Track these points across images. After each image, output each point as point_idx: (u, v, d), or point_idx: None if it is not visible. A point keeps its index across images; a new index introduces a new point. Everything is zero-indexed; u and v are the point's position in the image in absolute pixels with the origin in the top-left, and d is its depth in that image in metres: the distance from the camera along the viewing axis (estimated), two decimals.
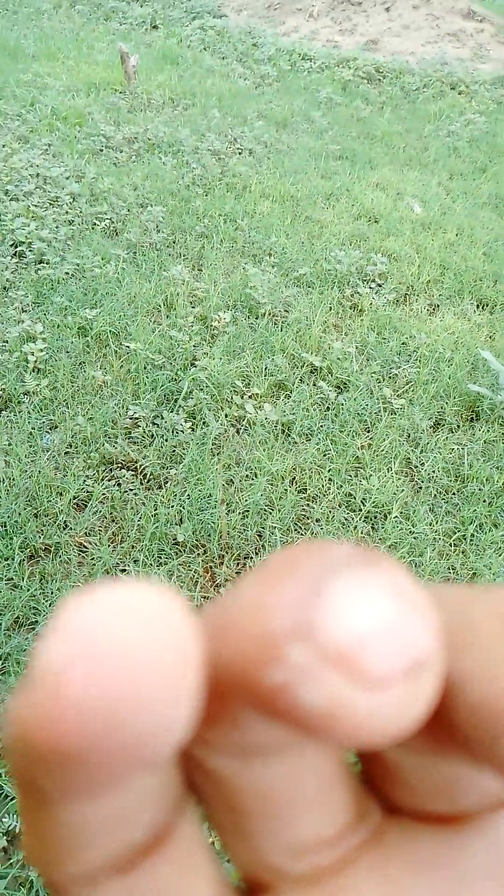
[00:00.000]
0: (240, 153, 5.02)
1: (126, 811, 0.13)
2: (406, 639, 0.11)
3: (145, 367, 2.80)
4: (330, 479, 2.49)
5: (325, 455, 2.57)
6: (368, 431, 2.73)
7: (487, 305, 3.69)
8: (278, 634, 0.11)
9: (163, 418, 2.57)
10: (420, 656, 0.11)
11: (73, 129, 4.87)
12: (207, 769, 0.14)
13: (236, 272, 3.52)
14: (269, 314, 3.21)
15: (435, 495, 2.54)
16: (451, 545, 2.38)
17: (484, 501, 2.53)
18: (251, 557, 2.21)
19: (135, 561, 2.13)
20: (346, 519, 2.38)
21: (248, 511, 2.31)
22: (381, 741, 0.11)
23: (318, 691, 0.10)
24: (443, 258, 3.97)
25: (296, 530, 2.33)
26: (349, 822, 0.14)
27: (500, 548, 2.38)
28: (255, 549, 2.24)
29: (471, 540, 2.39)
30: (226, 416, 2.64)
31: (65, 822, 0.12)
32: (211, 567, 2.19)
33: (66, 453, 2.44)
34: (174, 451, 2.47)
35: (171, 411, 2.61)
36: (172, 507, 2.27)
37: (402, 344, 3.20)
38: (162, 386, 2.71)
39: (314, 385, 2.85)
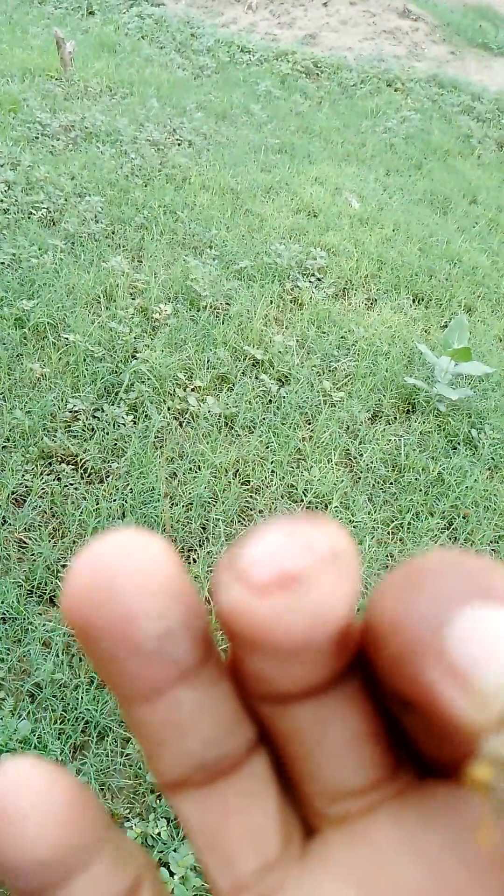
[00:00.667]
0: (179, 144, 4.99)
1: (184, 725, 0.16)
2: None
3: (85, 360, 2.77)
4: (272, 471, 2.52)
5: (267, 447, 2.59)
6: (309, 423, 2.77)
7: (423, 300, 3.78)
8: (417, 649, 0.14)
9: (103, 411, 2.54)
10: None
11: (6, 115, 4.74)
12: (264, 718, 0.17)
13: (177, 264, 3.50)
14: (211, 307, 3.21)
15: (373, 485, 2.60)
16: (389, 533, 2.44)
17: (420, 490, 2.60)
18: (195, 550, 2.22)
19: (76, 556, 2.11)
20: (288, 510, 2.41)
21: (191, 504, 2.31)
22: None
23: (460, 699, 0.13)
24: (380, 253, 4.04)
25: (239, 522, 2.35)
26: (378, 776, 0.17)
27: (435, 535, 2.45)
28: (200, 541, 2.25)
29: (408, 528, 2.46)
30: (168, 408, 2.63)
31: (139, 722, 0.16)
32: None
33: (3, 448, 2.39)
34: (116, 444, 2.45)
35: (112, 404, 2.59)
36: (115, 501, 2.26)
37: (342, 337, 3.25)
38: (102, 378, 2.69)
39: (256, 378, 2.87)
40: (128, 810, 1.67)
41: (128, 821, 1.63)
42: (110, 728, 1.79)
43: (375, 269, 3.89)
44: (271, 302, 3.37)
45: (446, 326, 3.53)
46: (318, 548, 0.14)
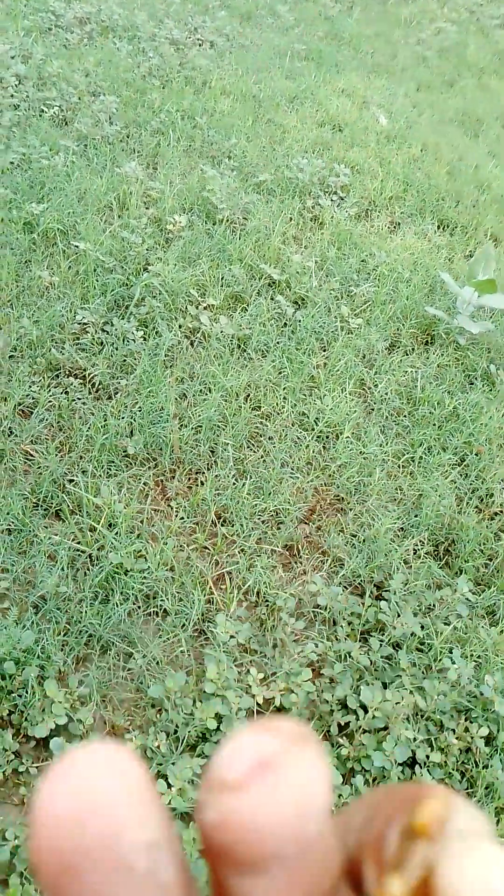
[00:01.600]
0: (200, 45, 4.68)
1: None
2: None
3: (95, 270, 2.66)
4: (284, 398, 2.45)
5: (280, 372, 2.52)
6: (325, 350, 2.69)
7: (448, 227, 3.63)
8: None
9: (113, 325, 2.45)
10: None
11: (17, 1, 4.42)
12: None
13: (193, 173, 3.33)
14: (228, 220, 3.07)
15: (386, 417, 2.54)
16: (399, 466, 2.40)
17: (434, 425, 2.54)
18: (203, 473, 2.18)
19: (83, 472, 2.07)
20: (298, 438, 2.36)
21: (200, 426, 2.26)
22: None
23: None
24: (406, 174, 3.85)
25: (249, 447, 2.30)
26: None
27: (446, 471, 2.41)
28: (208, 464, 2.21)
29: (419, 462, 2.42)
30: (179, 326, 2.55)
31: None
32: (162, 481, 2.15)
33: (10, 357, 2.32)
34: (125, 360, 2.37)
35: (122, 318, 2.50)
36: (123, 418, 2.20)
37: (362, 261, 3.12)
38: (112, 291, 2.58)
39: (272, 299, 2.76)
40: (128, 722, 1.69)
41: (128, 732, 1.65)
42: (113, 642, 1.80)
43: (401, 191, 3.71)
44: (291, 219, 3.22)
45: (471, 256, 3.40)
46: (284, 734, 0.15)
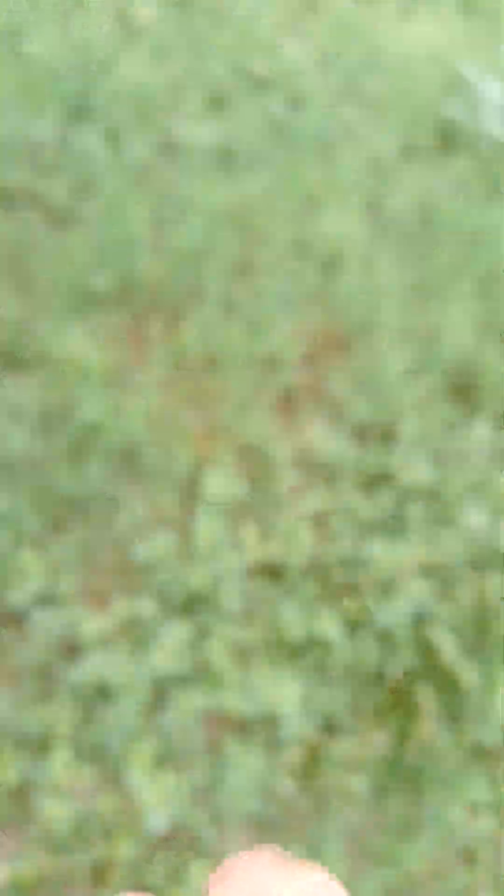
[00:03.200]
0: None
1: None
2: None
3: (48, 76, 2.25)
4: (279, 220, 2.14)
5: (273, 189, 2.19)
6: (326, 161, 2.33)
7: (473, 9, 3.07)
8: None
9: (72, 141, 2.10)
10: None
11: None
12: None
13: None
14: (206, 8, 2.58)
15: (398, 240, 2.23)
16: (412, 298, 2.13)
17: (452, 248, 2.23)
18: (186, 312, 1.93)
19: (46, 316, 1.83)
20: (296, 267, 2.08)
21: (180, 257, 1.98)
22: None
23: None
24: None
25: (238, 281, 2.04)
26: None
27: (466, 302, 2.14)
28: (191, 302, 1.95)
29: (436, 292, 2.14)
30: (152, 138, 2.18)
31: None
32: (138, 323, 1.92)
33: None
34: (88, 181, 2.05)
35: (83, 132, 2.13)
36: (88, 251, 1.92)
37: (368, 53, 2.66)
38: (70, 99, 2.20)
39: (262, 101, 2.37)
40: (114, 587, 1.58)
41: (114, 598, 1.56)
42: (93, 505, 1.65)
43: None
44: (283, 2, 2.72)
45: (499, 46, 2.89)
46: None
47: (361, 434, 1.88)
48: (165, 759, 1.40)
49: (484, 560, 1.65)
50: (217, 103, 2.35)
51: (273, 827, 1.39)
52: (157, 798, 1.35)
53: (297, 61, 2.49)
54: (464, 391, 1.99)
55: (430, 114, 2.52)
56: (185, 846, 1.32)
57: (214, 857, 1.32)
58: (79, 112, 2.20)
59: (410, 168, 2.38)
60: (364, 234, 2.19)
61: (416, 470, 1.74)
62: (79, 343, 1.78)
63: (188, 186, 2.09)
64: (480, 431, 1.82)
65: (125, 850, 1.27)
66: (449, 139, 2.51)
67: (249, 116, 2.29)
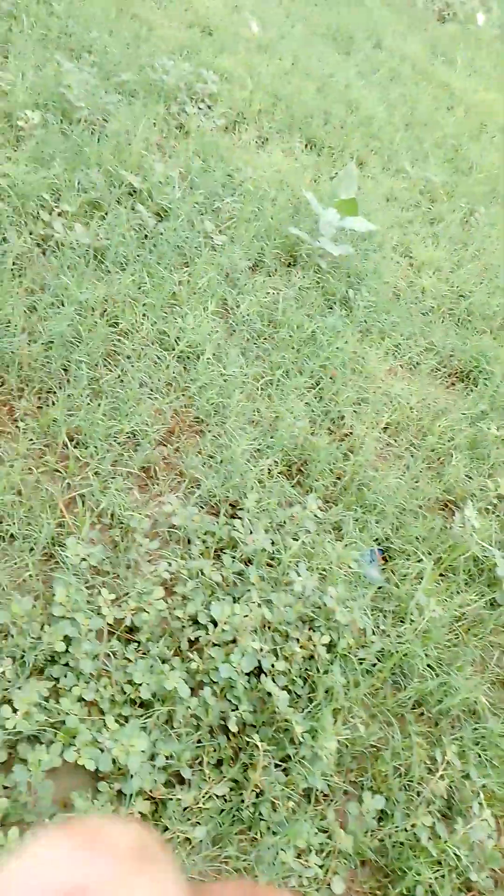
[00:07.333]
0: None
1: None
2: None
3: None
4: (144, 314, 2.36)
5: (140, 288, 2.42)
6: (187, 266, 2.60)
7: (315, 146, 3.57)
8: None
9: None
10: None
11: None
12: None
13: (49, 66, 3.04)
14: (86, 121, 2.84)
15: (248, 339, 2.52)
16: (258, 389, 2.41)
17: (293, 348, 2.56)
18: (54, 392, 2.07)
19: None
20: (158, 357, 2.30)
21: (52, 342, 2.14)
22: None
23: None
24: (276, 87, 3.72)
25: (105, 366, 2.21)
26: None
27: (302, 393, 2.45)
28: (60, 383, 2.10)
29: (277, 385, 2.43)
30: (30, 233, 2.36)
31: None
32: (9, 400, 2.02)
33: None
34: None
35: None
36: None
37: (228, 175, 3.02)
38: None
39: (132, 209, 2.62)
40: None
41: None
42: None
43: (270, 105, 3.60)
44: (154, 124, 3.04)
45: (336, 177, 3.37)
46: (110, 849, 0.13)
47: (212, 505, 2.06)
48: (12, 817, 1.42)
49: (313, 617, 1.86)
50: (93, 206, 2.57)
51: None
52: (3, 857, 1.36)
53: (164, 176, 2.78)
54: (299, 470, 2.25)
55: (279, 232, 2.90)
56: None
57: None
58: None
59: (260, 278, 2.71)
60: (218, 332, 2.45)
61: (257, 538, 1.93)
62: None
63: (62, 279, 2.27)
64: (312, 505, 2.07)
65: None
66: (293, 255, 2.89)
67: (121, 221, 2.53)
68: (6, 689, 1.54)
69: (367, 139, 3.80)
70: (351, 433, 2.42)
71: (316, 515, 2.07)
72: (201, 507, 2.04)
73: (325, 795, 1.70)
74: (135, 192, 2.71)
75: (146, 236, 2.58)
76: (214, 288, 2.55)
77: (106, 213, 2.56)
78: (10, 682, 1.55)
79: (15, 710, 1.49)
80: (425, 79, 4.90)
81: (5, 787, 1.45)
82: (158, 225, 2.62)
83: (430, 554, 2.19)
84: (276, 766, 1.66)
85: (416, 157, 3.95)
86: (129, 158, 2.78)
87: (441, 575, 2.18)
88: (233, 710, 1.65)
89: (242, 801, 1.60)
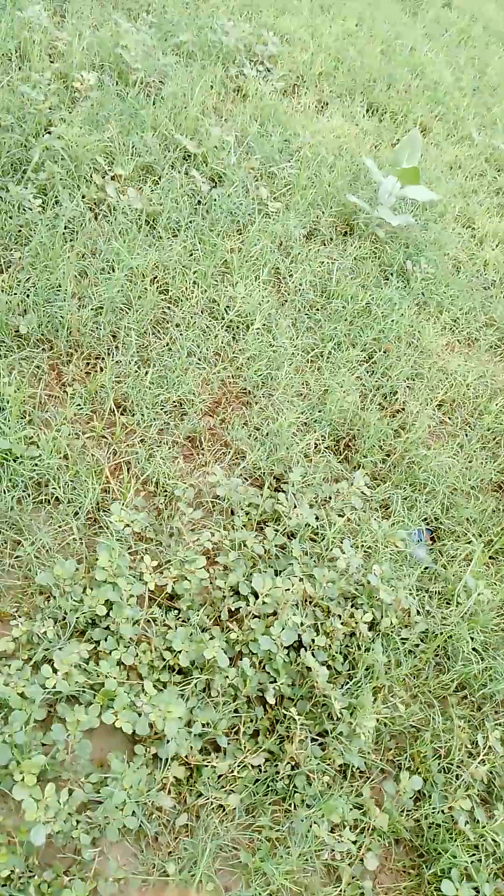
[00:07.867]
0: None
1: None
2: None
3: None
4: (195, 282, 2.33)
5: (191, 254, 2.38)
6: (240, 233, 2.55)
7: (378, 111, 3.45)
8: None
9: (7, 191, 2.23)
10: None
11: None
12: None
13: (106, 27, 2.99)
14: (142, 83, 2.80)
15: (299, 309, 2.47)
16: (308, 361, 2.36)
17: (346, 320, 2.49)
18: (103, 358, 2.07)
19: None
20: (207, 326, 2.27)
21: (101, 308, 2.13)
22: None
23: None
24: (339, 49, 3.60)
25: (153, 334, 2.19)
26: None
27: (353, 367, 2.39)
28: (108, 349, 2.09)
29: (328, 357, 2.38)
30: (83, 196, 2.34)
31: None
32: (57, 364, 2.03)
33: None
34: (20, 230, 2.18)
35: (18, 184, 2.27)
36: (15, 294, 2.04)
37: (286, 140, 2.94)
38: (8, 152, 2.34)
39: (186, 174, 2.57)
40: (15, 609, 1.65)
41: (14, 619, 1.62)
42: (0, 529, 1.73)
43: (331, 68, 3.48)
44: (212, 87, 2.97)
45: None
46: None
47: (256, 478, 2.04)
48: (49, 774, 1.45)
49: (355, 595, 1.83)
50: (146, 171, 2.54)
51: (151, 841, 1.48)
52: (40, 812, 1.37)
53: (221, 141, 2.73)
54: (347, 446, 2.21)
55: (336, 200, 2.81)
56: (66, 860, 1.38)
57: (93, 872, 1.40)
58: (16, 165, 2.34)
59: (314, 246, 2.64)
60: (269, 301, 2.41)
61: (301, 512, 1.90)
62: None
63: (114, 244, 2.25)
64: (359, 482, 2.02)
65: (5, 863, 1.32)
66: (350, 224, 2.80)
67: (175, 186, 2.49)
68: (47, 650, 1.56)
69: (431, 104, 3.65)
70: (403, 409, 2.35)
71: (363, 492, 2.02)
72: (246, 479, 2.02)
73: (361, 772, 1.69)
74: (189, 156, 2.66)
75: (199, 202, 2.53)
76: (267, 256, 2.50)
77: (159, 178, 2.52)
78: (51, 642, 1.57)
79: (55, 671, 1.51)
80: (497, 40, 4.68)
81: (44, 745, 1.48)
82: (212, 191, 2.57)
83: (480, 536, 2.12)
84: (313, 740, 1.65)
85: (483, 124, 3.78)
86: (184, 122, 2.73)
87: (491, 558, 2.12)
88: (271, 683, 1.65)
89: (277, 773, 1.60)
